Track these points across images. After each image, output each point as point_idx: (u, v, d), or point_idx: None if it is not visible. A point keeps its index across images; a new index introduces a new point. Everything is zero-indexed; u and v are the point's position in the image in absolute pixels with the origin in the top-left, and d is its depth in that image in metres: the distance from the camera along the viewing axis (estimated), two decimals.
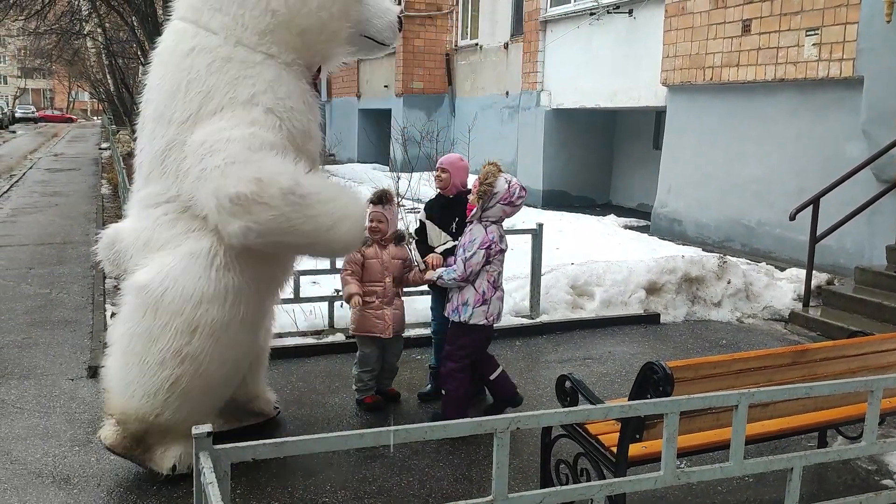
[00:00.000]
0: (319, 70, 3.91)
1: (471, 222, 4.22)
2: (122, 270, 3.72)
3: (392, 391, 4.82)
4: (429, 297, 5.18)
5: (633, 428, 2.82)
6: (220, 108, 3.42)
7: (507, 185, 4.11)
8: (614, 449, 2.92)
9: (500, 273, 4.29)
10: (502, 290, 4.36)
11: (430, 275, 4.34)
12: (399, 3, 17.56)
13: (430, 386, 4.88)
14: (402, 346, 4.84)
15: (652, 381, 2.75)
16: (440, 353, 4.80)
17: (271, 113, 3.45)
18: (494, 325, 4.39)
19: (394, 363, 4.77)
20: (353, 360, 5.47)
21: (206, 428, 1.97)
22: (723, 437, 2.92)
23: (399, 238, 4.68)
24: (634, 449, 2.90)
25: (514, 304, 6.42)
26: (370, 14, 3.81)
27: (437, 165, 4.65)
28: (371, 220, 4.53)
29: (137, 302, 3.44)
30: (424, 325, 5.86)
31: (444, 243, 4.55)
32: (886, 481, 3.79)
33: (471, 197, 4.24)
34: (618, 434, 2.91)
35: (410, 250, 4.83)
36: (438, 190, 4.69)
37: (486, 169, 4.16)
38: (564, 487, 2.51)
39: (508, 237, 4.53)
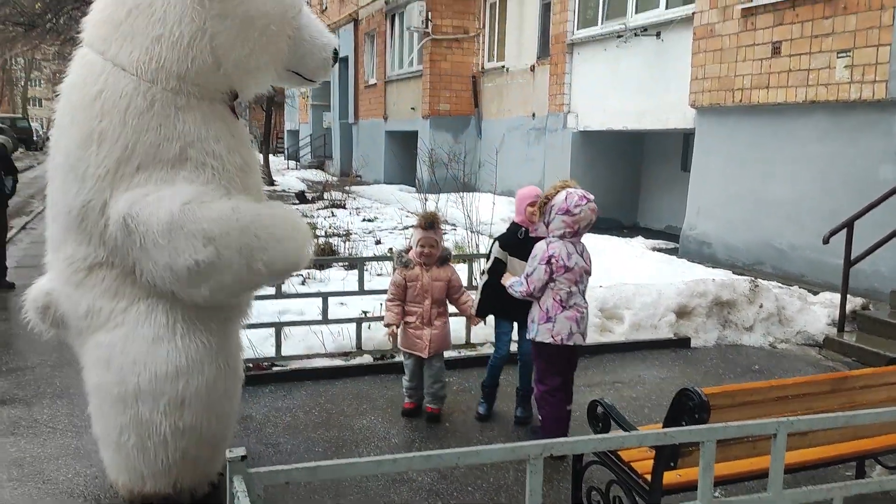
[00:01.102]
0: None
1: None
2: (65, 335, 3.52)
3: (430, 409, 4.80)
4: None
5: (668, 455, 2.77)
6: (143, 166, 3.06)
7: (564, 196, 4.01)
8: (648, 476, 2.87)
9: (570, 292, 4.08)
10: (576, 310, 4.12)
11: (507, 279, 4.33)
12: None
13: (483, 406, 4.89)
14: (442, 366, 4.81)
15: (687, 407, 2.70)
16: (495, 374, 4.85)
17: (203, 166, 3.13)
18: (575, 346, 4.18)
19: (433, 385, 4.75)
20: (380, 381, 5.53)
21: (241, 451, 1.97)
22: (760, 465, 2.86)
23: (443, 259, 4.69)
24: (669, 477, 2.85)
25: None
26: (304, 52, 3.42)
27: (533, 199, 4.51)
28: (423, 246, 4.60)
29: (114, 396, 3.25)
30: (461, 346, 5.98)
31: None
32: None
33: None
34: (651, 461, 2.86)
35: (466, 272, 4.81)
36: (526, 226, 4.56)
37: (555, 184, 4.15)
38: None
39: None
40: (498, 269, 4.59)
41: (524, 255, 4.43)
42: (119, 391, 3.23)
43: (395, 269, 4.83)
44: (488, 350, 6.15)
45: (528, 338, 4.24)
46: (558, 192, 4.07)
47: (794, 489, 2.64)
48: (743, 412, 2.78)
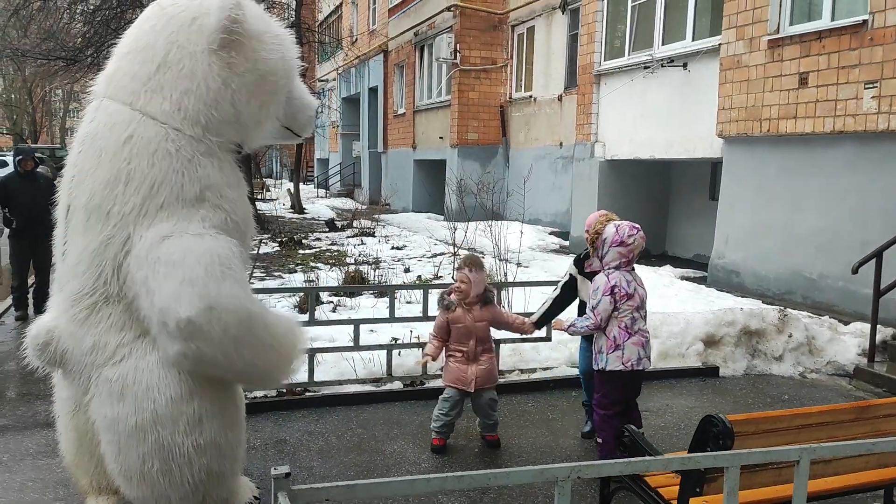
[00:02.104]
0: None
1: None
2: (67, 371, 3.47)
3: (490, 437, 4.95)
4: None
5: (694, 481, 2.84)
6: (166, 204, 3.26)
7: (614, 229, 4.22)
8: (674, 502, 2.94)
9: (634, 318, 4.26)
10: (641, 335, 4.29)
11: (562, 324, 4.50)
12: (457, 63, 18.10)
13: (588, 424, 5.05)
14: (496, 398, 4.93)
15: (712, 434, 2.78)
16: (590, 390, 4.95)
17: (219, 209, 3.35)
18: (644, 370, 4.35)
19: (488, 414, 4.88)
20: (410, 407, 5.61)
21: (285, 469, 2.09)
22: (784, 493, 2.90)
23: (486, 301, 4.85)
24: (695, 503, 2.92)
25: (570, 355, 6.45)
26: (295, 109, 3.89)
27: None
28: (456, 281, 4.87)
29: (132, 427, 3.28)
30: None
31: None
32: None
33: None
34: (678, 487, 2.93)
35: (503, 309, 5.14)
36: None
37: (596, 219, 4.36)
38: None
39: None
40: (571, 283, 4.95)
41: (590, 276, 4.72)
42: (137, 420, 3.26)
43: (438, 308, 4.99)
44: (516, 377, 6.25)
45: (598, 368, 4.33)
46: (605, 225, 4.27)
47: None
48: (767, 439, 2.85)
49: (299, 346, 3.57)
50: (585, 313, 4.42)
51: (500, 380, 6.05)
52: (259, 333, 3.26)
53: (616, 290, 4.20)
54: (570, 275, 4.97)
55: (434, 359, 4.89)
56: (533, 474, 2.35)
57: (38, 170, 8.55)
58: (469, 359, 4.79)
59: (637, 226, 4.28)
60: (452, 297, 4.84)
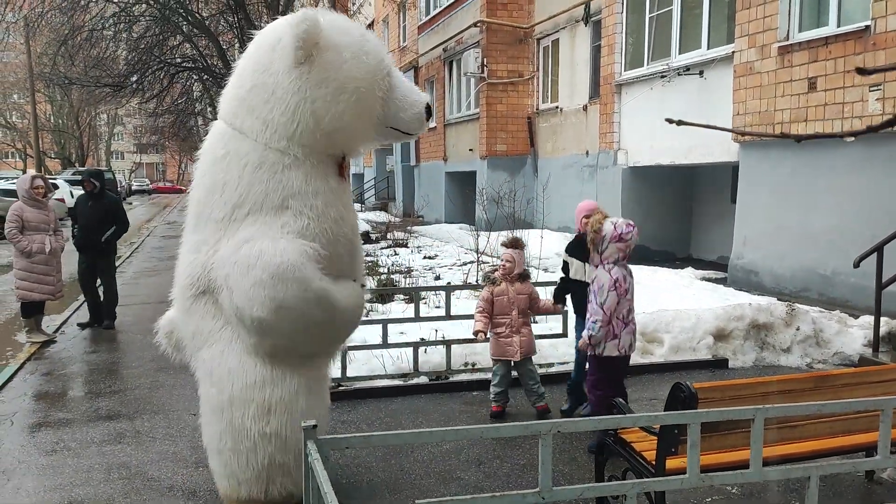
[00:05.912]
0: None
1: (596, 268, 4.76)
2: (183, 355, 4.11)
3: (540, 408, 5.54)
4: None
5: (669, 442, 3.26)
6: (252, 211, 3.68)
7: (612, 226, 4.64)
8: (654, 462, 3.35)
9: (629, 309, 4.75)
10: (633, 324, 4.80)
11: (581, 343, 4.86)
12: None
13: (567, 405, 5.63)
14: (535, 367, 5.63)
15: (680, 398, 3.20)
16: (580, 368, 5.51)
17: (301, 215, 3.68)
18: (630, 356, 4.88)
19: (531, 385, 5.52)
20: (435, 399, 6.09)
21: (312, 422, 2.58)
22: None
23: (524, 276, 5.54)
24: (672, 463, 3.33)
25: None
26: (398, 108, 3.89)
27: (587, 212, 5.26)
28: (503, 260, 5.54)
29: (214, 405, 3.84)
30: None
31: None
32: None
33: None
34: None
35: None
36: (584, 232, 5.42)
37: (592, 218, 4.75)
38: (602, 484, 2.97)
39: None
40: (565, 268, 5.64)
41: (577, 255, 5.48)
42: (218, 399, 3.81)
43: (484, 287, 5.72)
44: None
45: (595, 354, 4.74)
46: (601, 223, 4.67)
47: (773, 466, 3.08)
48: (731, 404, 3.25)
49: (358, 318, 4.10)
50: (589, 309, 4.80)
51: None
52: (321, 320, 3.70)
53: (618, 284, 4.62)
54: (564, 260, 5.63)
55: (484, 333, 5.45)
56: (520, 429, 2.81)
57: (106, 190, 9.10)
58: (513, 330, 5.40)
59: (632, 223, 4.72)
60: (497, 273, 5.55)
